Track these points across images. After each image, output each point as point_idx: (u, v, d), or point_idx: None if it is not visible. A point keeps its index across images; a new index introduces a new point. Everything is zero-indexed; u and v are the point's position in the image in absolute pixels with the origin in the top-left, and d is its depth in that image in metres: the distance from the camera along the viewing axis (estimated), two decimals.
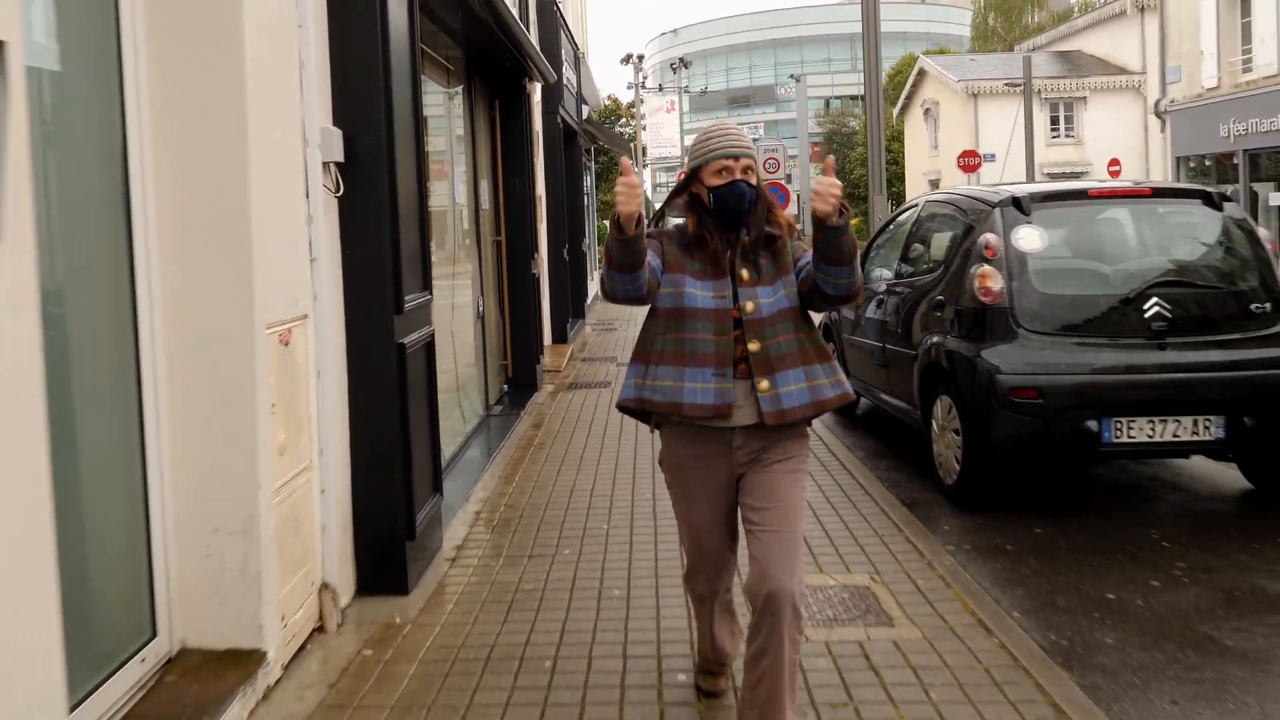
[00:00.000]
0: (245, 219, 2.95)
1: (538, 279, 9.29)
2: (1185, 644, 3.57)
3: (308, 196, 3.50)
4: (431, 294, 4.45)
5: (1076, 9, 45.20)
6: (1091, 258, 5.19)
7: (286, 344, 3.30)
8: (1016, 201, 5.15)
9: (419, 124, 4.33)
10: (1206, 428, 4.70)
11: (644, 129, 42.18)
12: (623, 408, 2.76)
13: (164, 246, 2.93)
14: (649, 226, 2.67)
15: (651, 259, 2.64)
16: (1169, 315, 4.82)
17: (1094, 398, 4.72)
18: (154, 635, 2.91)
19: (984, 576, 4.24)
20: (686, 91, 45.73)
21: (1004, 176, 30.82)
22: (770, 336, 2.60)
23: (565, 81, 12.33)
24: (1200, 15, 21.44)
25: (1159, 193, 5.56)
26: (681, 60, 41.08)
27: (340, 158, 3.71)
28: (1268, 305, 4.91)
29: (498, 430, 7.13)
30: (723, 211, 2.62)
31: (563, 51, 12.18)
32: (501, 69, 8.18)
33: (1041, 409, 4.72)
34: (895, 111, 46.53)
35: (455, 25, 6.33)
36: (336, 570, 3.63)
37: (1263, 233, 5.17)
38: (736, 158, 2.61)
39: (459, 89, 7.31)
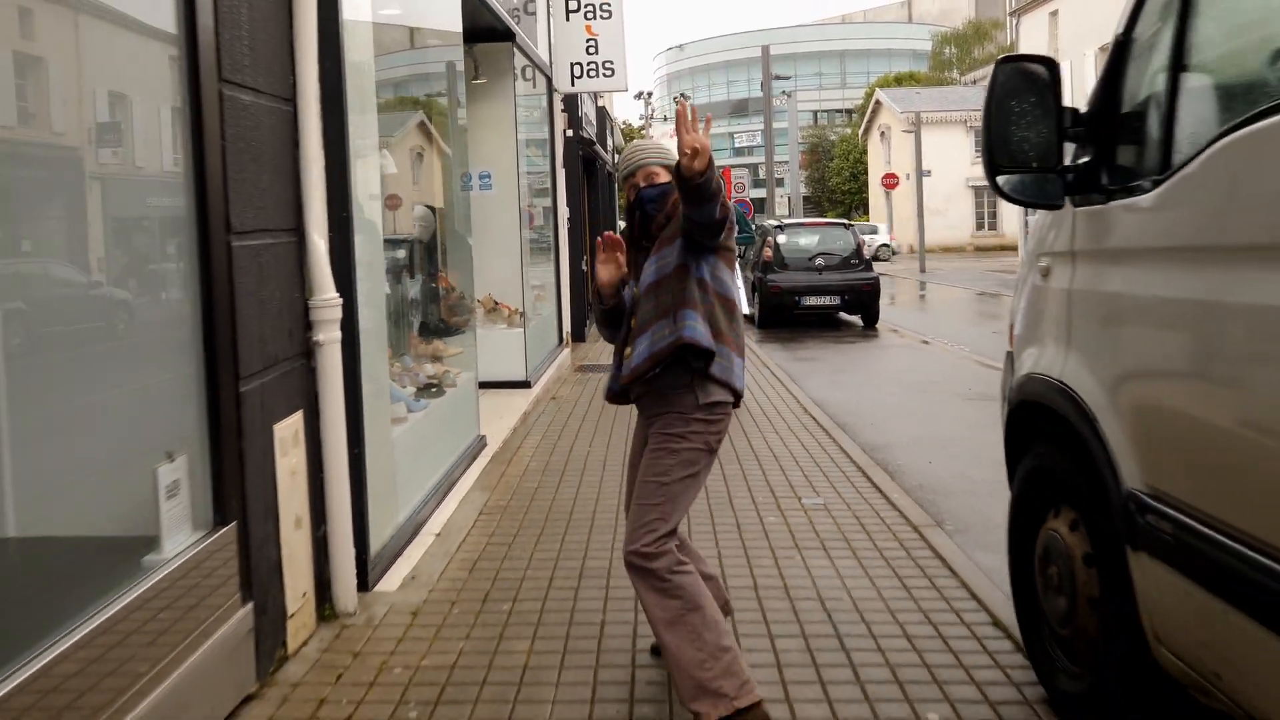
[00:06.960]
0: (556, 234, 12.90)
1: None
2: (792, 344, 13.42)
3: (564, 231, 13.40)
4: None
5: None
6: (802, 245, 15.24)
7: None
8: (781, 225, 15.11)
9: (587, 201, 14.20)
10: (833, 301, 14.65)
11: None
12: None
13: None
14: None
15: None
16: (823, 264, 14.77)
17: (796, 289, 14.67)
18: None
19: (763, 341, 14.14)
20: None
21: (935, 188, 40.29)
22: (643, 307, 2.86)
23: (608, 147, 22.10)
24: None
25: (830, 224, 15.62)
26: (683, 94, 50.60)
27: (568, 215, 13.54)
28: (857, 261, 14.88)
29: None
30: (644, 219, 2.95)
31: (606, 128, 21.96)
32: (589, 159, 18.10)
33: (781, 293, 14.70)
34: (860, 132, 55.51)
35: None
36: (569, 330, 13.51)
37: (863, 237, 15.10)
38: (634, 173, 2.92)
39: None
